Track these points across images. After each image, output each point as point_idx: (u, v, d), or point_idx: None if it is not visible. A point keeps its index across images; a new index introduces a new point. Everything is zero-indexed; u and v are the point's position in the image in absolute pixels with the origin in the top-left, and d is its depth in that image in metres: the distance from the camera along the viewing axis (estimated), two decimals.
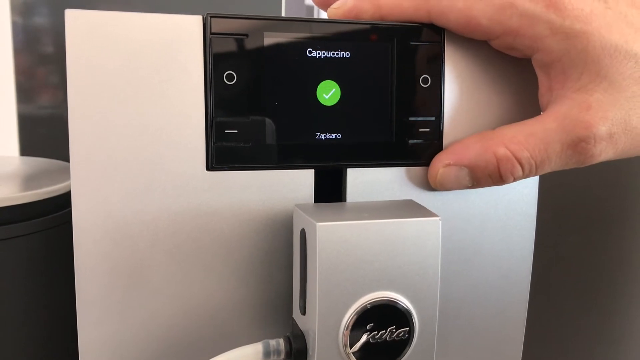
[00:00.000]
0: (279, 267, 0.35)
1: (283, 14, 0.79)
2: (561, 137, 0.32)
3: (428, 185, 0.36)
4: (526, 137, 0.32)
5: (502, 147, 0.33)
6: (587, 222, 0.71)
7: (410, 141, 0.35)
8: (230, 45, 0.32)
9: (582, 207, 0.71)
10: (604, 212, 0.70)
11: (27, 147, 0.74)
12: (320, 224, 0.29)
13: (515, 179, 0.33)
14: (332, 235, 0.29)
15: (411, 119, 0.35)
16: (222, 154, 0.33)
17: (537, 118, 0.33)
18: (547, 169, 0.33)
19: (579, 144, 0.31)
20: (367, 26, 0.34)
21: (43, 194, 0.42)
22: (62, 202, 0.43)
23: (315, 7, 0.77)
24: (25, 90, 0.74)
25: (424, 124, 0.36)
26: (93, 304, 0.32)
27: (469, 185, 0.34)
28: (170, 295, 0.33)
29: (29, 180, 0.49)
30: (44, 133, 0.74)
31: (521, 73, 0.37)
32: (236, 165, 0.33)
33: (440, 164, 0.35)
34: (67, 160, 0.32)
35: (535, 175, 0.34)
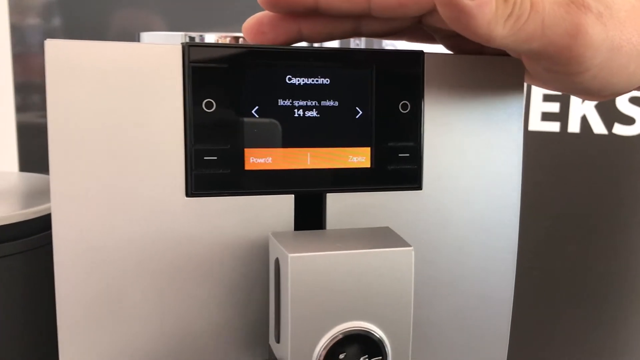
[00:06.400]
0: (257, 293, 0.35)
1: None
2: None
3: (407, 210, 0.36)
4: None
5: None
6: (586, 230, 0.71)
7: (390, 166, 0.36)
8: (209, 74, 0.33)
9: (581, 217, 0.71)
10: (603, 221, 0.69)
11: (26, 159, 0.74)
12: (292, 255, 0.29)
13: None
14: (304, 266, 0.29)
15: (390, 144, 0.35)
16: (202, 180, 0.33)
17: None
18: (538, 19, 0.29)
19: (570, 4, 0.29)
20: (347, 52, 0.35)
21: (29, 214, 0.42)
22: (46, 223, 0.43)
23: None
24: (24, 102, 0.75)
25: (404, 149, 0.36)
26: (74, 327, 0.33)
27: None
28: (149, 321, 0.34)
29: (19, 198, 0.49)
30: (44, 144, 0.75)
31: (503, 97, 0.37)
32: (215, 192, 0.33)
33: None
34: None
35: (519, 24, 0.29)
